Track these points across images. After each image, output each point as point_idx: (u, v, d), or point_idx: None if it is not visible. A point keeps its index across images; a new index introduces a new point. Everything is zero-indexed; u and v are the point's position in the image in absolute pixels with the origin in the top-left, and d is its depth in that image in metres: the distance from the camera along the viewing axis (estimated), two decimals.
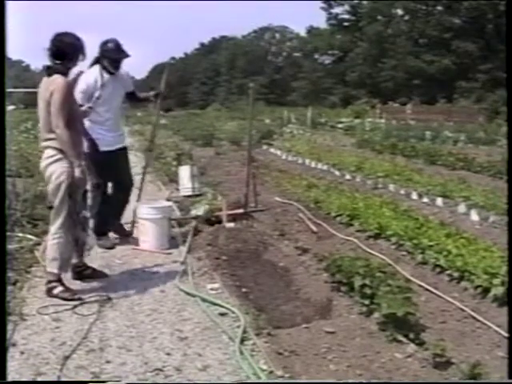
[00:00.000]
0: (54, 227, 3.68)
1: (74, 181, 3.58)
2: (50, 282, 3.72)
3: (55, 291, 3.67)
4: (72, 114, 3.62)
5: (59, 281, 3.72)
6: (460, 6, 42.31)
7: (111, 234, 5.14)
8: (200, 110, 44.23)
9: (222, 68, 67.21)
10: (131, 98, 5.17)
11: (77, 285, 3.91)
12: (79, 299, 3.62)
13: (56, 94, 3.52)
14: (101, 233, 4.78)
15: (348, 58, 49.94)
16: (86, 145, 4.77)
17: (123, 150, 5.12)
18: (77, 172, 3.57)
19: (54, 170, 3.62)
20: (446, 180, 8.58)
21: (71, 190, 3.60)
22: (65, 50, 3.65)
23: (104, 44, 4.75)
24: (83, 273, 4.01)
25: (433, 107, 31.10)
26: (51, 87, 3.56)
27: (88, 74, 4.71)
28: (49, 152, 3.66)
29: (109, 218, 4.95)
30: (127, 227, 5.33)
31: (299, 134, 20.34)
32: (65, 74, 3.65)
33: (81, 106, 4.29)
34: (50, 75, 3.61)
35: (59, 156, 3.61)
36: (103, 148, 4.76)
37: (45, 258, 3.87)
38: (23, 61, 53.88)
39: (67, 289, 3.72)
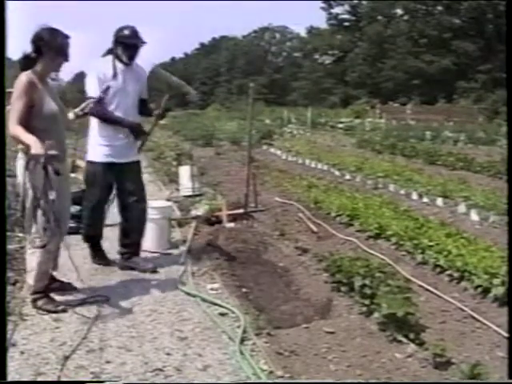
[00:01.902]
0: (30, 237, 3.43)
1: (30, 157, 3.13)
2: (34, 292, 3.51)
3: (39, 303, 3.47)
4: (35, 114, 3.28)
5: (43, 292, 3.51)
6: (460, 6, 42.36)
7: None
8: (200, 110, 44.24)
9: (221, 68, 67.23)
10: (140, 107, 4.37)
11: (76, 285, 3.91)
12: (63, 311, 3.44)
13: (14, 92, 3.26)
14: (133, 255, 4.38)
15: (348, 58, 49.96)
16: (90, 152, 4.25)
17: (135, 165, 4.31)
18: (32, 149, 3.08)
19: (20, 175, 3.32)
20: (446, 180, 8.59)
21: (29, 166, 3.17)
22: (36, 45, 3.33)
23: (119, 30, 4.17)
24: (49, 287, 3.62)
25: (433, 107, 31.15)
26: (14, 86, 3.29)
27: (99, 63, 4.14)
28: (19, 156, 3.39)
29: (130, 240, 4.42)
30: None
31: (299, 134, 20.37)
32: (35, 68, 3.33)
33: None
34: (21, 70, 3.34)
35: (25, 160, 3.26)
36: (110, 158, 4.15)
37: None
38: None
39: (51, 300, 3.52)
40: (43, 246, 3.33)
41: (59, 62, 3.44)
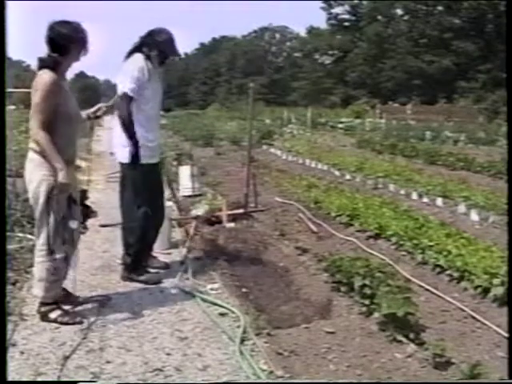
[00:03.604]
0: (39, 243, 3.26)
1: (55, 186, 3.12)
2: (43, 304, 3.33)
3: (53, 315, 3.30)
4: (58, 115, 3.15)
5: (55, 303, 3.33)
6: (460, 6, 42.35)
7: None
8: (200, 110, 44.26)
9: (222, 68, 67.30)
10: None
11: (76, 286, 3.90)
12: (80, 322, 3.29)
13: (37, 92, 3.10)
14: (140, 267, 4.15)
15: (348, 58, 49.98)
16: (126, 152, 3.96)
17: (158, 166, 4.26)
18: (60, 176, 3.09)
19: (33, 177, 3.19)
20: (446, 180, 8.59)
21: (53, 196, 3.15)
22: (58, 42, 3.16)
23: (157, 33, 4.01)
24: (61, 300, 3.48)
25: (433, 107, 31.15)
26: (35, 83, 3.13)
27: (137, 62, 3.93)
28: (30, 155, 3.23)
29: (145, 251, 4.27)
30: None
31: (299, 134, 20.37)
32: (57, 68, 3.17)
33: (130, 98, 3.76)
34: (39, 69, 3.16)
35: (40, 161, 3.16)
36: (145, 159, 3.98)
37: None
38: (23, 61, 53.75)
39: (66, 312, 3.37)
40: (51, 253, 3.24)
41: (79, 57, 3.30)
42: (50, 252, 3.22)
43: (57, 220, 3.18)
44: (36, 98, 3.10)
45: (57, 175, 3.10)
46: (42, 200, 3.17)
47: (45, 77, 3.12)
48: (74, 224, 3.25)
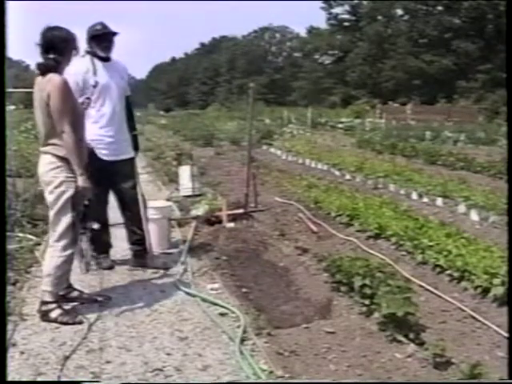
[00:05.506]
0: (51, 240, 3.37)
1: (77, 190, 3.26)
2: (45, 303, 3.35)
3: (53, 314, 3.31)
4: (74, 116, 3.27)
5: (56, 302, 3.36)
6: (460, 6, 42.38)
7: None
8: (200, 110, 44.28)
9: (221, 68, 67.37)
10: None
11: (76, 286, 3.91)
12: (80, 322, 3.30)
13: (55, 96, 3.18)
14: (99, 251, 4.29)
15: (348, 58, 50.00)
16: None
17: (128, 162, 4.28)
18: (80, 181, 3.24)
19: (53, 178, 3.28)
20: (446, 180, 8.58)
21: (74, 200, 3.28)
22: (56, 45, 3.29)
23: (90, 27, 4.17)
24: (67, 296, 3.58)
25: (433, 107, 31.16)
26: (48, 87, 3.20)
27: (77, 63, 3.93)
28: (48, 158, 3.31)
29: (108, 237, 4.45)
30: None
31: (299, 134, 20.36)
32: (58, 71, 3.28)
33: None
34: (42, 73, 3.26)
35: (59, 164, 3.27)
36: (99, 156, 4.09)
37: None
38: (23, 61, 53.78)
39: (67, 311, 3.39)
40: (63, 250, 3.35)
41: (72, 57, 3.45)
42: (62, 249, 3.33)
43: (73, 220, 3.31)
44: (56, 101, 3.20)
45: (77, 180, 3.26)
46: (62, 200, 3.28)
47: (57, 79, 3.24)
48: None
